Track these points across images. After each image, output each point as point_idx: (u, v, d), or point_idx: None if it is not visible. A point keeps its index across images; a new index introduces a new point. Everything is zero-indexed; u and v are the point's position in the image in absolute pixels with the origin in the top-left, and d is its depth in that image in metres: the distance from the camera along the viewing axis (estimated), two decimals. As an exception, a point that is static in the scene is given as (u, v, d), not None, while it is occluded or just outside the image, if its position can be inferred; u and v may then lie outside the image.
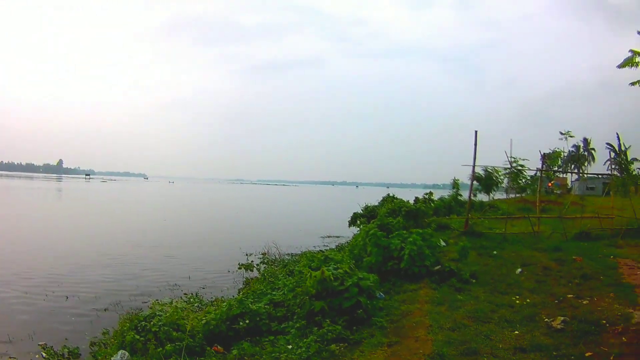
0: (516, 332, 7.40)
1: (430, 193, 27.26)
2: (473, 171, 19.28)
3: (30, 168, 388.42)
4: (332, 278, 8.61)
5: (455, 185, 27.94)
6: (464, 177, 24.81)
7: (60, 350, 11.18)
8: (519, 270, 12.06)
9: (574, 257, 13.64)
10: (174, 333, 8.92)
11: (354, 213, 27.28)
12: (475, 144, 18.08)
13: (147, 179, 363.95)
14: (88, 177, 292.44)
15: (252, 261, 21.35)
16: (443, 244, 14.73)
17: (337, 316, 8.27)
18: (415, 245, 11.40)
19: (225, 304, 10.20)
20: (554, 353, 6.47)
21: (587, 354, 6.44)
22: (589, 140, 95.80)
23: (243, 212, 62.42)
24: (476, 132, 18.01)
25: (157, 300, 14.52)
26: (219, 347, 8.28)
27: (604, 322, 7.84)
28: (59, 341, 11.82)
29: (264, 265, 20.86)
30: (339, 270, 9.06)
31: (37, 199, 72.68)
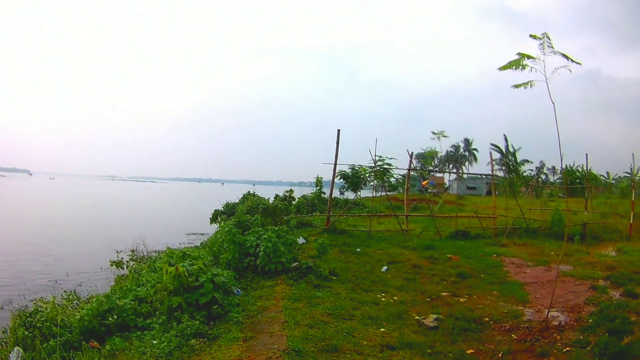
0: (382, 329, 7.18)
1: (291, 190, 27.37)
2: (334, 169, 19.16)
3: None
4: (187, 274, 8.60)
5: (318, 183, 28.18)
6: (328, 176, 25.07)
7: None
8: (385, 267, 11.96)
9: (449, 255, 13.65)
10: (54, 328, 9.00)
11: (215, 210, 27.57)
12: (338, 143, 18.19)
13: (31, 175, 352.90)
14: None
15: (122, 258, 20.62)
16: (302, 241, 14.41)
17: (195, 312, 8.27)
18: (270, 242, 11.31)
19: (95, 300, 10.23)
20: (428, 351, 6.32)
21: (468, 352, 6.42)
22: (470, 141, 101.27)
23: (113, 208, 61.86)
24: (338, 130, 18.17)
25: (41, 297, 14.34)
26: (94, 342, 8.26)
27: (487, 319, 7.82)
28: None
29: (133, 262, 20.42)
30: (194, 267, 9.03)
31: None
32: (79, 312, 9.78)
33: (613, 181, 64.71)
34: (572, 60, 7.24)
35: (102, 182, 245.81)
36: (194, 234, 32.92)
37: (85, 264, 21.71)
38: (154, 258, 20.22)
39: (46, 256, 24.14)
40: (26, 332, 9.16)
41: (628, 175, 52.64)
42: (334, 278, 10.58)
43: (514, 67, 7.69)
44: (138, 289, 11.17)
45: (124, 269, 19.46)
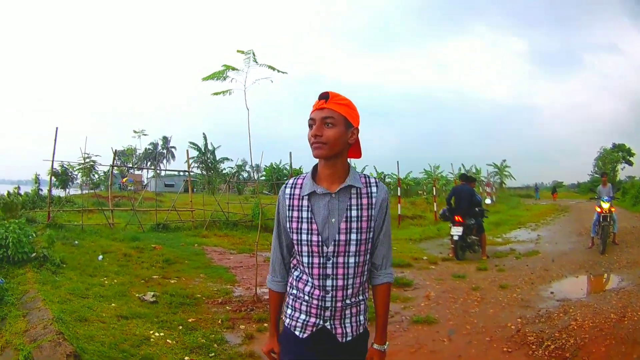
0: (113, 304, 8.02)
1: (17, 187, 26.38)
2: (52, 166, 19.76)
3: None
4: None
5: (36, 180, 27.50)
6: (43, 174, 24.53)
7: None
8: (100, 256, 12.68)
9: (153, 245, 14.59)
10: None
11: None
12: (55, 140, 18.50)
13: None
14: None
15: None
16: (35, 235, 14.71)
17: None
18: (16, 234, 11.48)
19: None
20: (155, 319, 7.36)
21: (190, 320, 7.44)
22: (168, 139, 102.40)
23: None
24: (57, 128, 18.43)
25: None
26: None
27: (199, 296, 8.97)
28: None
29: None
30: None
31: None
32: None
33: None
34: (278, 71, 8.32)
35: None
36: None
37: None
38: None
39: None
40: None
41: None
42: (65, 266, 11.22)
43: (216, 78, 9.01)
44: None
45: None
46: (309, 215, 2.40)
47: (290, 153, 25.44)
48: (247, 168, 74.12)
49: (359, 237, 2.39)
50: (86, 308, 7.78)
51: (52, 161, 19.24)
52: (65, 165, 20.75)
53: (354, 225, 2.37)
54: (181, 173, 44.22)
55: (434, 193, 30.05)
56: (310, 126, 2.34)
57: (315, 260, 2.40)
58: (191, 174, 25.89)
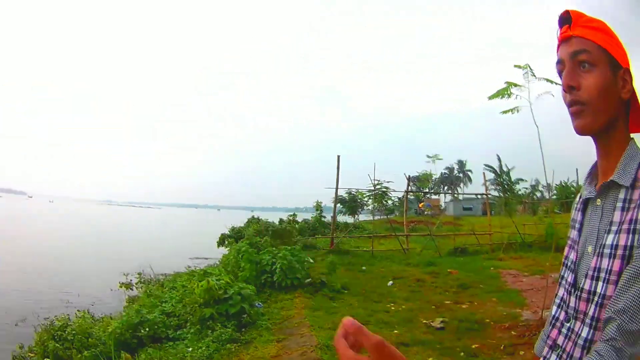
0: (396, 331, 7.86)
1: (294, 214, 28.57)
2: (336, 193, 20.18)
3: None
4: (217, 287, 9.26)
5: (318, 207, 28.91)
6: (327, 200, 25.67)
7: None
8: (391, 282, 12.60)
9: (449, 270, 14.34)
10: (88, 340, 9.67)
11: (222, 234, 28.24)
12: (338, 168, 18.88)
13: (30, 197, 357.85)
14: None
15: (130, 280, 21.55)
16: (311, 261, 15.18)
17: (225, 321, 8.83)
18: (285, 260, 11.95)
19: (124, 314, 10.92)
20: (437, 346, 6.97)
21: (473, 346, 7.00)
22: (464, 162, 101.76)
23: (116, 233, 61.56)
24: (338, 156, 18.83)
25: (56, 316, 14.39)
26: (127, 354, 8.47)
27: (488, 320, 8.47)
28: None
29: (142, 284, 21.15)
30: (221, 282, 9.62)
31: None
32: (108, 326, 10.23)
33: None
34: (555, 84, 7.65)
35: (100, 207, 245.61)
36: (197, 258, 32.44)
37: (94, 285, 22.23)
38: (162, 280, 20.78)
39: (54, 277, 24.27)
40: (57, 345, 9.64)
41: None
42: (345, 292, 11.28)
43: (501, 96, 8.60)
44: (163, 304, 11.68)
45: (132, 290, 20.14)
46: (575, 237, 1.48)
47: (577, 170, 23.70)
48: (540, 188, 70.94)
49: (604, 291, 1.26)
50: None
51: (336, 189, 19.73)
52: (353, 192, 21.29)
53: (604, 264, 1.27)
54: (479, 196, 43.56)
55: None
56: (560, 73, 1.38)
57: (561, 314, 1.46)
58: (488, 196, 24.83)
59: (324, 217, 28.13)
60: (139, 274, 23.18)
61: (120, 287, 20.46)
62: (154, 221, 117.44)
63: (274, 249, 13.32)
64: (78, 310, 15.39)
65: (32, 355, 11.77)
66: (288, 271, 11.74)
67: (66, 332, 10.13)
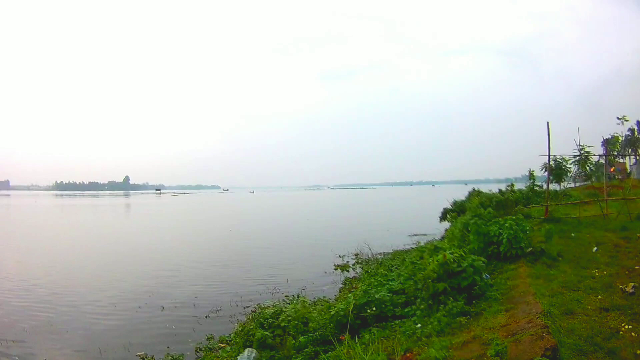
0: (599, 296, 8.42)
1: (512, 185, 28.71)
2: (549, 161, 20.26)
3: (94, 186, 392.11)
4: (452, 260, 9.47)
5: (532, 176, 28.65)
6: (535, 169, 25.86)
7: (164, 359, 12.27)
8: (595, 248, 12.92)
9: (638, 235, 14.29)
10: (304, 326, 10.32)
11: (444, 209, 28.94)
12: (549, 135, 19.08)
13: (226, 190, 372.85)
14: (159, 192, 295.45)
15: (347, 262, 22.59)
16: (529, 229, 14.66)
17: (456, 294, 9.07)
18: (512, 230, 12.40)
19: (350, 295, 11.50)
20: (629, 311, 7.44)
21: None
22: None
23: (327, 216, 63.05)
24: (548, 123, 18.94)
25: (259, 304, 16.24)
26: (343, 336, 8.69)
27: None
28: (160, 350, 12.76)
29: (359, 265, 21.78)
30: (455, 255, 9.79)
31: (118, 215, 76.36)
32: (329, 310, 10.74)
33: None
34: None
35: (309, 192, 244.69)
36: (416, 235, 33.58)
37: (306, 270, 22.70)
38: (380, 260, 21.46)
39: (264, 263, 25.31)
40: (266, 333, 10.16)
41: None
42: (560, 259, 11.77)
43: None
44: (390, 283, 12.18)
45: (348, 272, 20.75)
46: None
47: None
48: None
49: None
50: (574, 301, 8.37)
51: (549, 156, 20.11)
52: (559, 159, 21.51)
53: None
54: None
55: None
56: None
57: None
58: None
59: (536, 185, 28.18)
60: (356, 254, 24.47)
61: (336, 269, 21.39)
62: (367, 201, 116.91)
63: (500, 219, 13.54)
64: (286, 296, 16.84)
65: (222, 345, 12.77)
66: (513, 241, 12.15)
67: (279, 318, 10.67)
